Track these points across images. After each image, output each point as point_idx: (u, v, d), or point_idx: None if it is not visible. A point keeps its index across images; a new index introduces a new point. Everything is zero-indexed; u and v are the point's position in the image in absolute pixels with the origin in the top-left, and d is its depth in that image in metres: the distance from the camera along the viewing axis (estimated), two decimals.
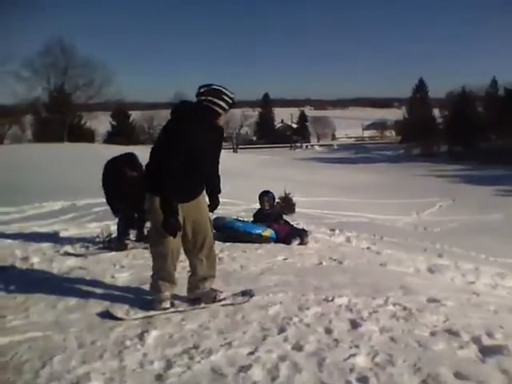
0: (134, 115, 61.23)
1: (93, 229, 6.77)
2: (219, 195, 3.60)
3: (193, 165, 3.13)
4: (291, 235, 6.39)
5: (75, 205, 11.02)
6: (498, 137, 47.79)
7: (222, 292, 3.55)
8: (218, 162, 3.51)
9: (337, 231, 9.02)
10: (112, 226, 5.95)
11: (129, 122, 58.77)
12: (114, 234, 5.62)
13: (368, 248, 7.23)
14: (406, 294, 4.03)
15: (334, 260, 5.38)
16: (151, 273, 3.44)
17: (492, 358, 2.66)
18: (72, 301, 3.50)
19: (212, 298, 3.46)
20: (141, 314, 3.24)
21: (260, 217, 6.71)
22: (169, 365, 2.50)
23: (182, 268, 3.90)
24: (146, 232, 5.77)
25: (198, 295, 3.47)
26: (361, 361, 2.58)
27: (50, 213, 9.74)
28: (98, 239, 5.79)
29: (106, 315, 3.22)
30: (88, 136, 49.29)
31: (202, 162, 3.20)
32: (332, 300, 3.62)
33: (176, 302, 3.44)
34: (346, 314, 3.34)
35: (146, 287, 3.77)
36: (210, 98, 3.09)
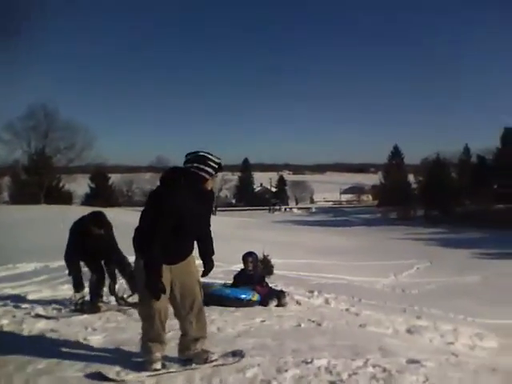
0: (114, 178, 61.28)
1: (66, 291, 6.59)
2: (213, 257, 3.63)
3: (181, 228, 3.20)
4: (269, 296, 6.33)
5: (48, 266, 10.74)
6: (471, 202, 49.08)
7: (213, 353, 3.51)
8: (209, 225, 3.59)
9: (315, 293, 8.95)
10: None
11: (108, 184, 58.63)
12: (87, 297, 5.49)
13: (347, 310, 7.17)
14: (385, 355, 3.98)
15: (313, 322, 5.30)
16: (141, 335, 3.44)
17: None
18: (42, 363, 3.36)
19: (204, 358, 3.44)
20: (132, 375, 3.18)
21: (242, 278, 6.63)
22: None
23: (173, 328, 3.82)
24: (117, 291, 5.69)
25: (190, 356, 3.44)
26: None
27: (22, 274, 9.46)
28: (70, 301, 5.64)
29: (97, 376, 3.13)
30: (66, 198, 48.82)
31: (190, 225, 3.26)
32: (311, 362, 3.54)
33: (167, 363, 3.38)
34: (326, 376, 3.27)
35: (123, 348, 3.75)
36: (196, 164, 3.21)
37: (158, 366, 3.30)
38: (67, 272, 5.62)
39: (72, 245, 5.48)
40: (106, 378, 3.10)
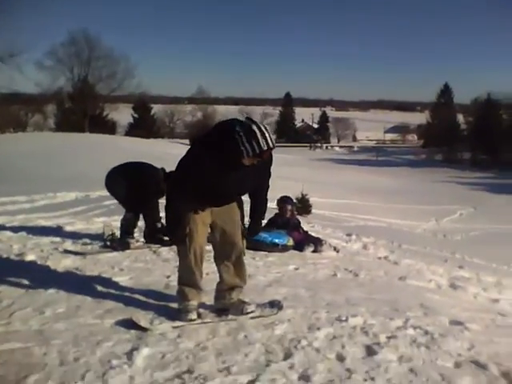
0: (156, 108, 61.67)
1: (99, 224, 6.52)
2: (261, 220, 3.51)
3: (204, 184, 3.05)
4: (305, 242, 6.06)
5: (89, 196, 10.82)
6: None
7: (250, 304, 3.34)
8: (264, 188, 3.38)
9: (353, 236, 8.70)
10: (114, 222, 5.68)
11: (150, 115, 59.16)
12: (118, 232, 5.35)
13: (386, 257, 6.88)
14: (427, 314, 3.69)
15: (350, 271, 5.02)
16: (177, 277, 3.32)
17: None
18: (61, 307, 3.23)
19: (240, 309, 3.29)
20: (166, 324, 3.06)
21: (277, 223, 6.29)
22: None
23: (210, 277, 3.65)
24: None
25: (226, 306, 3.32)
26: None
27: (60, 204, 9.51)
28: (103, 236, 5.53)
29: (129, 324, 2.99)
30: (109, 127, 49.72)
31: (212, 185, 3.06)
32: (346, 320, 3.27)
33: (202, 312, 3.26)
34: (361, 338, 3.00)
35: (149, 292, 3.64)
36: (242, 134, 2.87)
37: (194, 315, 3.17)
38: (128, 215, 5.38)
39: (148, 192, 5.22)
40: (137, 326, 2.96)
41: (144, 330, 2.92)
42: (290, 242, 5.93)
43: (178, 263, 3.33)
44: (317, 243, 6.13)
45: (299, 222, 6.65)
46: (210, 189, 3.06)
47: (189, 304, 3.20)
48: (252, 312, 3.28)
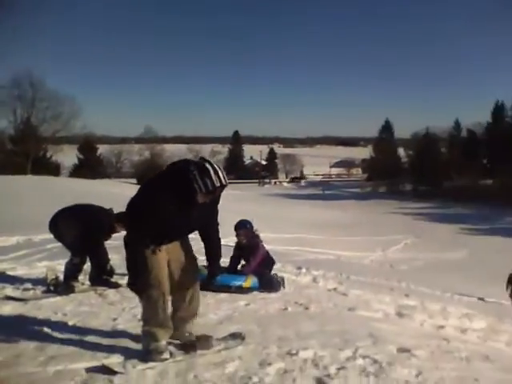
0: (102, 149, 60.77)
1: (42, 268, 6.27)
2: (219, 262, 3.53)
3: (163, 227, 3.08)
4: (263, 283, 5.84)
5: (31, 240, 10.40)
6: (460, 176, 49.25)
7: (213, 338, 3.40)
8: (215, 226, 3.43)
9: (303, 270, 8.76)
10: (57, 266, 5.49)
11: (96, 155, 58.14)
12: (61, 276, 5.17)
13: (335, 289, 6.97)
14: (375, 343, 3.76)
15: (300, 305, 5.06)
16: (142, 321, 3.28)
17: None
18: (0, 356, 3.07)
19: (207, 344, 3.33)
20: (140, 366, 3.00)
21: (238, 251, 6.19)
22: None
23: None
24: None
25: (190, 341, 3.35)
26: None
27: (1, 249, 9.09)
28: (46, 281, 5.32)
29: (102, 370, 2.89)
30: (53, 169, 48.38)
31: (172, 226, 3.13)
32: (296, 353, 3.29)
33: (173, 350, 3.24)
34: (312, 371, 3.02)
35: (92, 338, 3.49)
36: (196, 172, 2.98)
37: (167, 355, 3.15)
38: (75, 259, 5.19)
39: (99, 234, 5.20)
40: (111, 371, 2.87)
41: (118, 373, 2.85)
42: (247, 283, 5.71)
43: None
44: (277, 286, 5.92)
45: (257, 244, 6.26)
46: (167, 227, 3.08)
47: (159, 344, 3.17)
48: (218, 345, 3.32)
